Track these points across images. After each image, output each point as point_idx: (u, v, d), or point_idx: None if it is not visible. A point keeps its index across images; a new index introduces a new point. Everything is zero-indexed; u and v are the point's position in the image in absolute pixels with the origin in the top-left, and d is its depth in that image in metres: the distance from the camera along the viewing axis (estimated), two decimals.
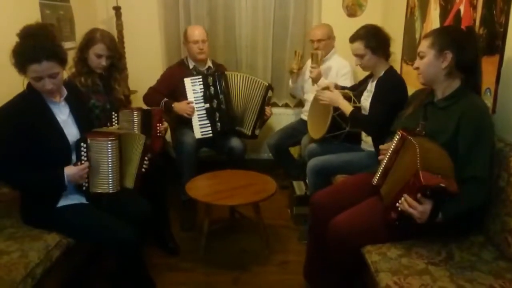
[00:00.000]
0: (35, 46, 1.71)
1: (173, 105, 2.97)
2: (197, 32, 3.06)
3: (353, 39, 2.36)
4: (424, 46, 1.76)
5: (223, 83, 3.03)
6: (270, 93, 3.12)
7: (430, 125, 1.76)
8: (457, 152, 1.63)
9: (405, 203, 1.56)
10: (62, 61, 1.80)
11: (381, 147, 1.91)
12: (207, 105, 3.02)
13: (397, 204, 1.60)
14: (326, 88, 2.60)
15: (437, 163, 1.54)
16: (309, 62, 3.16)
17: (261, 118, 3.12)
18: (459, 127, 1.65)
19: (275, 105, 3.88)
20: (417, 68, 1.80)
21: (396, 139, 1.74)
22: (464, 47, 1.69)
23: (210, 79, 3.01)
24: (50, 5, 2.83)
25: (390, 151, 1.77)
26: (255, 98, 3.07)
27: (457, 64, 1.69)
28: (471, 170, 1.60)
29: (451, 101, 1.72)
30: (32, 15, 2.57)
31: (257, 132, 3.15)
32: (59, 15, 2.96)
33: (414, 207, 1.53)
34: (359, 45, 2.33)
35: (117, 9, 3.37)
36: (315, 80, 2.95)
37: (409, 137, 1.66)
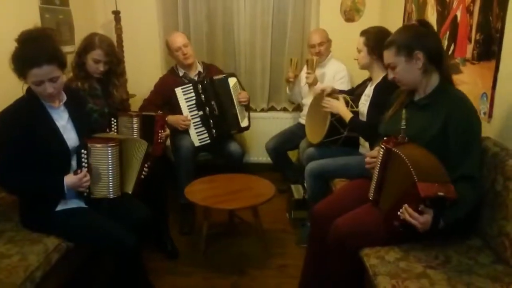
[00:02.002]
0: (34, 50, 1.70)
1: (166, 119, 2.94)
2: (178, 39, 3.03)
3: (361, 32, 2.40)
4: (390, 57, 1.75)
5: (213, 90, 3.01)
6: (232, 80, 3.04)
7: (412, 125, 1.74)
8: (444, 151, 1.63)
9: (406, 214, 1.55)
10: (62, 65, 1.80)
11: (368, 154, 1.93)
12: (201, 113, 3.02)
13: (399, 213, 1.60)
14: (325, 93, 2.61)
15: (429, 170, 1.55)
16: (305, 68, 3.18)
17: (235, 107, 3.04)
18: (446, 127, 1.64)
19: (273, 109, 3.91)
20: (393, 78, 1.80)
21: (381, 152, 1.74)
22: (427, 40, 1.70)
23: (200, 87, 3.00)
24: (49, 9, 2.85)
25: (378, 164, 1.77)
26: (228, 92, 3.04)
27: (429, 58, 1.69)
28: (463, 170, 1.60)
29: (433, 99, 1.73)
30: (32, 19, 2.58)
31: (243, 123, 3.09)
32: (58, 19, 2.97)
33: (415, 218, 1.53)
34: (361, 39, 2.38)
35: (117, 13, 3.38)
36: (311, 86, 2.98)
37: (394, 149, 1.65)
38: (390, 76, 1.81)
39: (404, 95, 1.87)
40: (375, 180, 1.81)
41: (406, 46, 1.70)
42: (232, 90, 3.04)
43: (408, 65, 1.72)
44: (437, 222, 1.55)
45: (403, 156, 1.59)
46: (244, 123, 3.11)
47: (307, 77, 3.04)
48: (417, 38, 1.70)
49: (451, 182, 1.54)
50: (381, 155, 1.74)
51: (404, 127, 1.73)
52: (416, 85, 1.77)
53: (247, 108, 3.14)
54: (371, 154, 1.90)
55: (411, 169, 1.53)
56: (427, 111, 1.73)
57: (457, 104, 1.66)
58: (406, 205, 1.56)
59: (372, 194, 1.84)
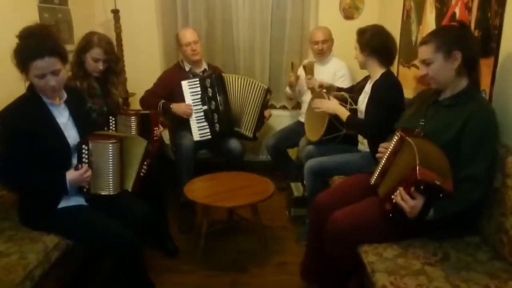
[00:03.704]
0: (37, 43, 1.73)
1: (171, 106, 2.98)
2: (188, 35, 3.07)
3: (356, 31, 2.40)
4: (428, 52, 1.73)
5: (221, 85, 3.05)
6: (268, 95, 3.15)
7: (433, 123, 1.75)
8: (458, 151, 1.64)
9: (399, 196, 1.58)
10: (64, 58, 1.82)
11: (381, 145, 1.92)
12: (205, 107, 3.04)
13: (392, 196, 1.62)
14: (321, 95, 2.62)
15: (435, 164, 1.55)
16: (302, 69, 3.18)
17: (261, 121, 3.16)
18: (465, 128, 1.65)
19: (273, 107, 3.91)
20: (425, 75, 1.77)
21: (395, 140, 1.74)
22: (467, 43, 1.70)
23: (208, 81, 3.02)
24: (48, 8, 2.85)
25: (388, 151, 1.78)
26: (255, 100, 3.10)
27: (465, 61, 1.69)
28: (470, 170, 1.61)
29: (458, 100, 1.72)
30: (31, 19, 2.54)
31: (257, 134, 3.19)
32: (57, 18, 2.97)
33: (405, 200, 1.55)
34: (356, 38, 2.37)
35: (115, 12, 3.38)
36: (313, 90, 2.98)
37: (407, 138, 1.66)
38: (422, 72, 1.77)
39: (428, 95, 1.87)
40: (381, 166, 1.82)
41: (447, 44, 1.69)
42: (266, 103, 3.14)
43: (445, 63, 1.70)
44: (426, 211, 1.56)
45: (414, 145, 1.59)
46: (257, 134, 3.19)
47: (307, 83, 3.04)
48: (458, 39, 1.69)
49: (457, 181, 1.55)
50: (393, 142, 1.74)
51: (423, 123, 1.73)
52: (447, 85, 1.76)
53: (262, 123, 3.22)
54: (385, 144, 1.90)
55: (417, 156, 1.54)
56: (450, 111, 1.73)
57: (480, 109, 1.66)
58: (401, 188, 1.58)
59: (374, 179, 1.85)
